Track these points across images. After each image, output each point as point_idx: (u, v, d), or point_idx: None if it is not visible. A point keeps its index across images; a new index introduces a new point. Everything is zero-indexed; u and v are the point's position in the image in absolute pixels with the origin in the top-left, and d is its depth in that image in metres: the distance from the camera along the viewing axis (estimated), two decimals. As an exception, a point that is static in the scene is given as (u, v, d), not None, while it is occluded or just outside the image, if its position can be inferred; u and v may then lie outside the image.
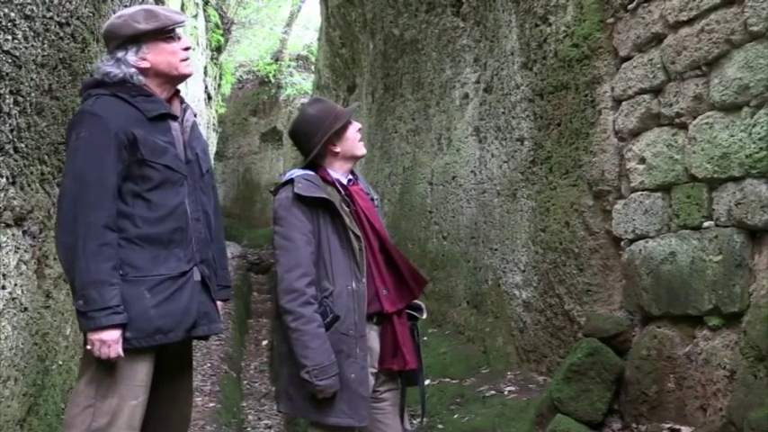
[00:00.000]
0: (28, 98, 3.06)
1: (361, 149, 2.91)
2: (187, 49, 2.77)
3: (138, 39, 2.65)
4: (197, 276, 2.71)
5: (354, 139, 2.87)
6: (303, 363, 2.61)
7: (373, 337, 2.80)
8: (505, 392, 4.50)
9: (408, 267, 2.88)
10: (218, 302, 2.88)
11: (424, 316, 2.93)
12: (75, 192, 2.50)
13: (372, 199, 2.99)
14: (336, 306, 2.69)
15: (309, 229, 2.71)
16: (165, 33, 2.69)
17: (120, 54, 2.65)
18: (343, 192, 2.81)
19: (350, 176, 2.91)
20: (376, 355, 2.81)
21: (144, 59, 2.66)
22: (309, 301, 2.66)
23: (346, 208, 2.77)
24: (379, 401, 2.86)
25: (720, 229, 3.18)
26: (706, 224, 3.27)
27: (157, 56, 2.68)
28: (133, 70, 2.65)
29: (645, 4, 3.69)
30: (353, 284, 2.71)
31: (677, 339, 3.42)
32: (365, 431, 2.83)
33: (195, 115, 2.93)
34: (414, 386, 2.93)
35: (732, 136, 3.09)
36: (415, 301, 2.91)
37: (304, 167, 2.86)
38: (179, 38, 2.75)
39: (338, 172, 2.87)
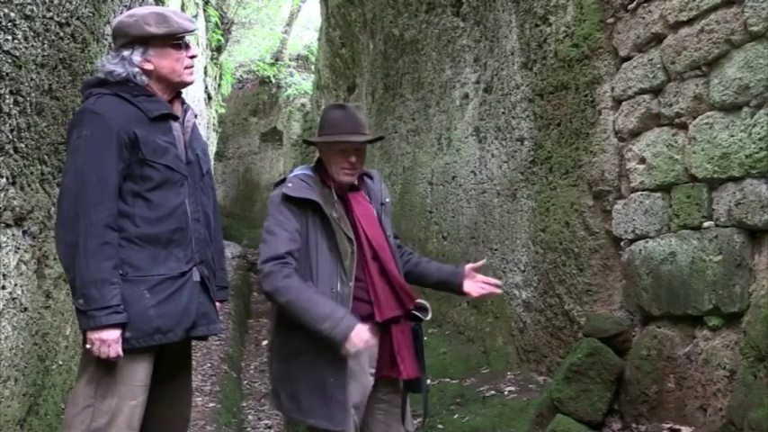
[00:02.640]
0: (28, 98, 3.06)
1: (344, 177, 2.79)
2: (193, 57, 2.78)
3: (146, 41, 2.66)
4: (196, 277, 2.71)
5: (337, 164, 2.78)
6: (316, 327, 2.54)
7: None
8: (505, 392, 4.50)
9: (398, 282, 2.80)
10: (217, 303, 2.88)
11: (428, 317, 2.87)
12: (76, 190, 2.51)
13: (382, 204, 2.93)
14: None
15: (295, 227, 2.70)
16: (173, 39, 2.69)
17: (125, 53, 2.66)
18: (337, 196, 2.78)
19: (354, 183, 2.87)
20: (375, 356, 2.78)
21: (148, 62, 2.67)
22: (289, 275, 2.62)
23: (339, 211, 2.76)
24: (381, 402, 2.85)
25: (720, 229, 3.18)
26: (706, 224, 3.27)
27: (162, 60, 2.68)
28: (136, 70, 2.66)
29: (645, 5, 3.69)
30: (338, 287, 2.68)
31: (677, 339, 3.42)
32: (367, 431, 2.82)
33: (196, 116, 2.94)
34: (415, 392, 2.88)
35: (732, 136, 3.09)
36: (420, 300, 2.86)
37: (313, 166, 2.88)
38: (187, 45, 2.76)
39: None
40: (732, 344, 3.08)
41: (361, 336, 2.55)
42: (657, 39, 3.61)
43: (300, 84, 17.30)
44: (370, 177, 2.98)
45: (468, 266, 2.96)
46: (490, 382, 4.76)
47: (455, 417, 4.40)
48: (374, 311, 2.73)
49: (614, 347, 3.68)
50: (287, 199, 2.71)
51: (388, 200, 2.99)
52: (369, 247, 2.77)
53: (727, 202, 3.14)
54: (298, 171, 2.86)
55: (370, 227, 2.81)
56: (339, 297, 2.67)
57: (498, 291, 2.99)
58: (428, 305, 2.87)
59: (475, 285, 2.93)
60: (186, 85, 2.82)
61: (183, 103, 2.85)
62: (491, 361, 5.25)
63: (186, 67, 2.75)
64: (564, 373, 3.67)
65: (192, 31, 2.77)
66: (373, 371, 2.78)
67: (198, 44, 9.08)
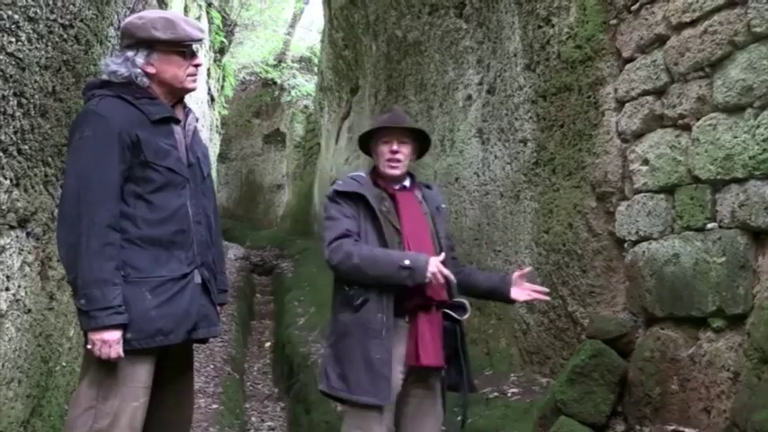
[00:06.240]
0: (31, 100, 3.07)
1: (389, 170, 3.07)
2: (197, 66, 2.78)
3: (151, 44, 2.67)
4: (197, 279, 2.71)
5: (382, 156, 3.09)
6: (397, 266, 2.84)
7: (398, 331, 2.94)
8: (509, 394, 4.49)
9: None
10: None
11: (465, 316, 3.03)
12: (77, 191, 2.51)
13: (437, 208, 3.18)
14: (367, 291, 2.90)
15: (352, 214, 2.99)
16: (179, 46, 2.70)
17: (129, 53, 2.68)
18: (387, 194, 3.06)
19: (405, 184, 3.15)
20: (403, 355, 2.94)
21: (151, 65, 2.68)
22: (354, 243, 2.92)
23: (388, 207, 3.02)
24: (411, 397, 3.02)
25: (724, 230, 3.17)
26: (709, 226, 3.26)
27: (164, 65, 2.69)
28: (138, 71, 2.67)
29: (648, 6, 3.68)
30: None
31: (681, 341, 3.41)
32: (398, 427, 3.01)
33: (197, 120, 2.95)
34: (452, 390, 3.09)
35: (735, 137, 3.08)
36: (460, 299, 3.03)
37: (369, 171, 3.20)
38: (192, 53, 2.77)
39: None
40: (736, 345, 3.07)
41: (436, 263, 2.84)
42: (660, 40, 3.60)
43: (303, 85, 17.34)
44: (429, 188, 3.29)
45: (516, 274, 3.18)
46: (493, 383, 4.75)
47: (458, 419, 4.39)
48: (407, 300, 2.93)
49: (618, 349, 3.67)
50: (338, 194, 3.02)
51: (443, 206, 3.26)
52: (410, 240, 3.00)
53: (730, 204, 3.13)
54: (352, 173, 3.19)
55: (412, 222, 3.05)
56: None
57: (546, 297, 3.25)
58: (467, 304, 3.04)
59: (523, 292, 3.16)
60: (188, 92, 2.83)
61: (184, 106, 2.86)
62: (494, 363, 5.24)
63: (189, 75, 2.75)
64: (567, 374, 3.66)
65: (200, 40, 2.78)
66: (402, 368, 2.94)
67: (202, 47, 9.09)
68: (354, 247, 2.89)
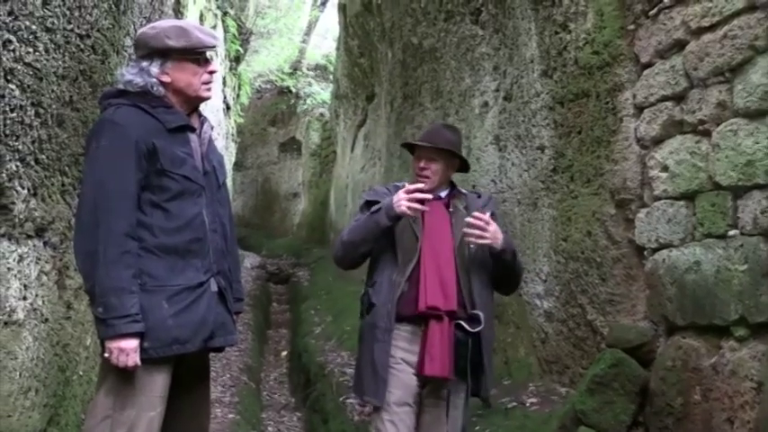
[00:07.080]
0: (49, 110, 3.09)
1: (420, 183, 3.19)
2: (212, 73, 2.79)
3: (165, 53, 2.68)
4: (214, 287, 2.71)
5: (415, 171, 3.29)
6: (376, 222, 3.06)
7: (410, 339, 3.08)
8: (527, 404, 4.45)
9: (444, 285, 3.08)
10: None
11: (478, 329, 3.07)
12: (94, 199, 2.52)
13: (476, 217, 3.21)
14: (375, 295, 3.10)
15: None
16: (192, 54, 2.71)
17: (144, 63, 2.69)
18: None
19: (440, 194, 3.29)
20: (416, 357, 3.05)
21: (166, 74, 2.69)
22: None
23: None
24: (427, 405, 3.12)
25: (746, 237, 3.12)
26: (731, 233, 3.22)
27: (179, 74, 2.70)
28: (154, 80, 2.68)
29: (666, 11, 3.65)
30: (395, 276, 3.09)
31: (703, 350, 3.36)
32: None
33: (212, 128, 2.95)
34: (477, 396, 3.21)
35: (757, 143, 3.04)
36: (476, 311, 3.09)
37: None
38: (207, 60, 2.77)
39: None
40: (759, 355, 3.02)
41: (399, 196, 3.00)
42: (679, 45, 3.57)
43: (319, 93, 17.40)
44: (479, 195, 3.49)
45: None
46: (512, 393, 4.71)
47: (477, 429, 4.36)
48: (419, 304, 3.03)
49: (638, 358, 3.62)
50: (365, 202, 3.28)
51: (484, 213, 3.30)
52: (429, 249, 3.13)
53: (752, 210, 3.09)
54: (396, 182, 3.45)
55: (435, 231, 3.17)
56: (394, 284, 3.08)
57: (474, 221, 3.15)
58: (481, 316, 3.09)
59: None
60: (202, 100, 2.84)
61: (200, 115, 2.87)
62: (513, 372, 5.20)
63: (204, 83, 2.76)
64: (587, 384, 3.62)
65: (213, 46, 2.78)
66: (413, 371, 3.06)
67: (216, 55, 9.14)
68: (343, 231, 3.20)
